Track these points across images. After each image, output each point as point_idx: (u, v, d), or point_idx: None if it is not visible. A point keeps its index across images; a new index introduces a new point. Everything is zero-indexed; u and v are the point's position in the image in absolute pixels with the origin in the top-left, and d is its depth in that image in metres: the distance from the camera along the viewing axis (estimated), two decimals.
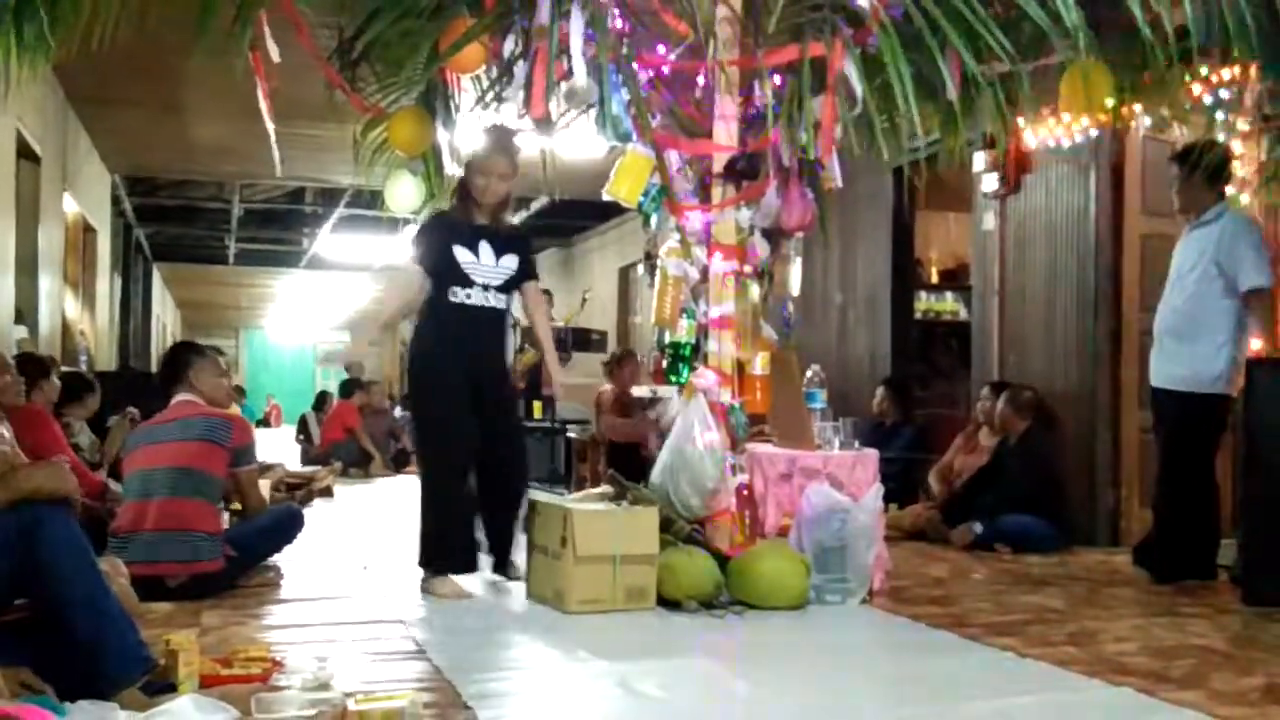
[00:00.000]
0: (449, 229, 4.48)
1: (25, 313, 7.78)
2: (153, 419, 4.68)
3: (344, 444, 11.31)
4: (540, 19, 4.21)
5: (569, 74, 4.32)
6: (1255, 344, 4.74)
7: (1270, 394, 4.44)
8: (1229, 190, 4.90)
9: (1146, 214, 6.06)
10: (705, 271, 4.66)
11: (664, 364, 4.82)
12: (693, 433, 4.34)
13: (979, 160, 6.79)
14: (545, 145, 5.24)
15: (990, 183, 6.84)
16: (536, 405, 10.60)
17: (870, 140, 4.38)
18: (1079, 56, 4.33)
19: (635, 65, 4.47)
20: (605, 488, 4.55)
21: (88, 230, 11.04)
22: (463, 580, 4.40)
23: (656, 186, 4.63)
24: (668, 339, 4.84)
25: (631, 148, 4.49)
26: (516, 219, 13.33)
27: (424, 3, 4.69)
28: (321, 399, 14.64)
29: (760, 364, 4.76)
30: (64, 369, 6.65)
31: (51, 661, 2.57)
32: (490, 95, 5.10)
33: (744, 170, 4.62)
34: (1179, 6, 3.86)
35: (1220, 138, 5.02)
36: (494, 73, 5.01)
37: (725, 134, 4.60)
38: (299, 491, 7.87)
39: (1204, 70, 4.98)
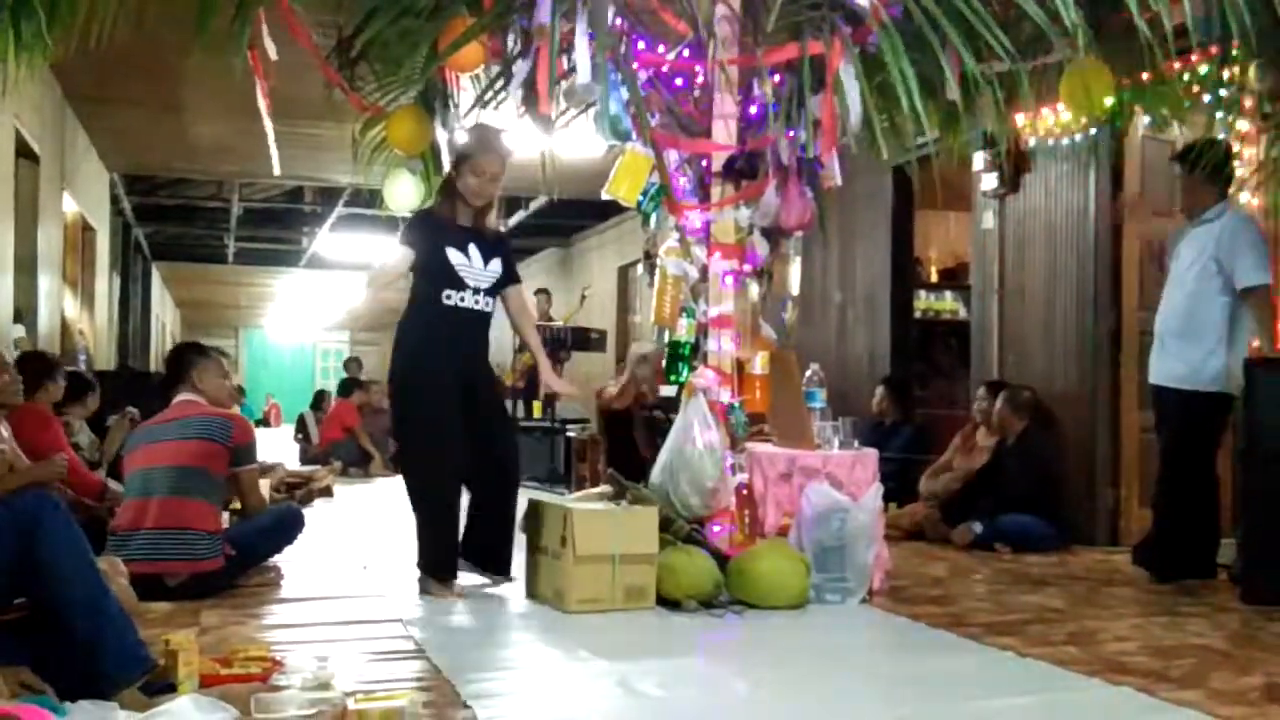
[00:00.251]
0: (440, 230, 4.41)
1: (24, 312, 7.77)
2: (153, 418, 4.68)
3: (343, 444, 11.30)
4: (539, 18, 4.20)
5: (568, 73, 4.32)
6: (1255, 343, 4.75)
7: (1270, 394, 4.44)
8: (1230, 189, 4.91)
9: (1146, 214, 6.07)
10: (705, 271, 4.66)
11: (663, 363, 4.82)
12: (692, 432, 4.34)
13: (978, 159, 6.79)
14: (545, 144, 5.23)
15: (990, 182, 6.84)
16: (536, 405, 10.62)
17: (870, 140, 4.38)
18: (1079, 56, 4.33)
19: (634, 64, 4.47)
20: (605, 487, 4.55)
21: (86, 229, 11.03)
22: (462, 580, 4.39)
23: (656, 186, 4.63)
24: (667, 338, 4.84)
25: (631, 147, 4.48)
26: (516, 219, 13.36)
27: (423, 2, 4.69)
28: (319, 398, 14.64)
29: (760, 363, 4.76)
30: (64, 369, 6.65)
31: (51, 661, 2.56)
32: (489, 94, 5.10)
33: (743, 169, 4.62)
34: (1178, 6, 3.85)
35: (1220, 137, 5.02)
36: (493, 72, 5.01)
37: (724, 133, 4.60)
38: (299, 491, 7.87)
39: (1204, 70, 4.98)
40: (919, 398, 8.02)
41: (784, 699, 2.97)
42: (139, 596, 3.79)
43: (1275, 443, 4.40)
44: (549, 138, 5.09)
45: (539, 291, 12.42)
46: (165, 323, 23.77)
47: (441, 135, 5.19)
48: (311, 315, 27.88)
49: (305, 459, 11.68)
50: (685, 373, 4.67)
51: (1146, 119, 5.67)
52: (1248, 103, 4.99)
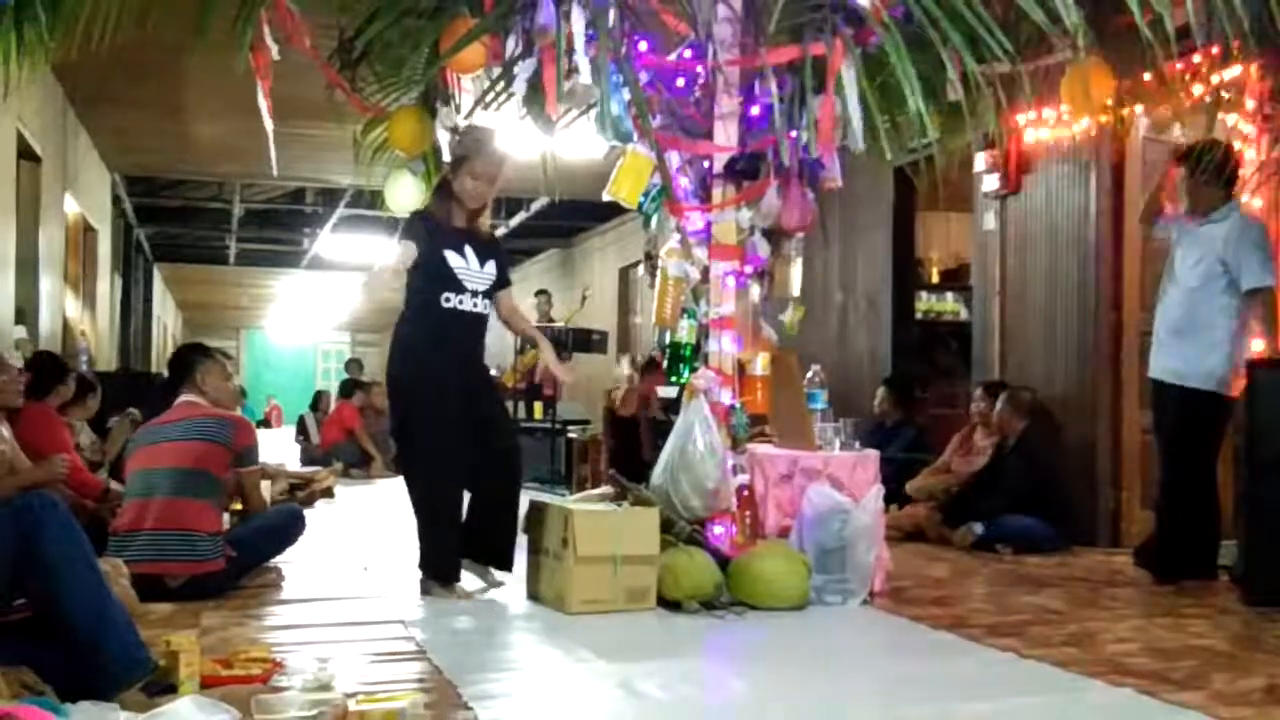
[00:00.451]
0: (438, 232, 4.40)
1: (25, 313, 7.78)
2: (155, 419, 4.67)
3: (344, 445, 11.30)
4: (540, 19, 4.20)
5: (569, 73, 4.31)
6: (1257, 344, 4.74)
7: (1270, 394, 4.44)
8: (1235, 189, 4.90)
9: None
10: (706, 272, 4.65)
11: (664, 364, 4.82)
12: (693, 433, 4.34)
13: (980, 160, 6.79)
14: (546, 145, 5.23)
15: (991, 183, 6.84)
16: (537, 406, 10.62)
17: (871, 140, 4.38)
18: (1079, 56, 4.32)
19: (635, 65, 4.47)
20: (606, 488, 4.55)
21: (88, 230, 11.04)
22: (463, 581, 4.39)
23: (657, 187, 4.63)
24: (668, 339, 4.84)
25: (632, 148, 4.48)
26: (517, 220, 13.37)
27: (424, 3, 4.69)
28: (317, 399, 14.64)
29: (761, 364, 4.76)
30: None
31: (51, 662, 2.56)
32: (491, 95, 5.10)
33: (744, 170, 4.62)
34: (1180, 6, 3.85)
35: (1221, 137, 5.01)
36: (494, 73, 5.01)
37: (725, 134, 4.60)
38: (300, 492, 7.87)
39: (1204, 70, 4.97)
40: (920, 399, 8.01)
41: (785, 700, 2.97)
42: (140, 597, 3.79)
43: (1276, 443, 4.39)
44: (550, 139, 5.09)
45: (540, 293, 12.42)
46: (166, 324, 23.79)
47: (443, 136, 5.18)
48: (313, 316, 27.90)
49: (306, 460, 11.69)
50: (686, 374, 4.67)
51: (1146, 119, 5.66)
52: (1248, 103, 4.99)
